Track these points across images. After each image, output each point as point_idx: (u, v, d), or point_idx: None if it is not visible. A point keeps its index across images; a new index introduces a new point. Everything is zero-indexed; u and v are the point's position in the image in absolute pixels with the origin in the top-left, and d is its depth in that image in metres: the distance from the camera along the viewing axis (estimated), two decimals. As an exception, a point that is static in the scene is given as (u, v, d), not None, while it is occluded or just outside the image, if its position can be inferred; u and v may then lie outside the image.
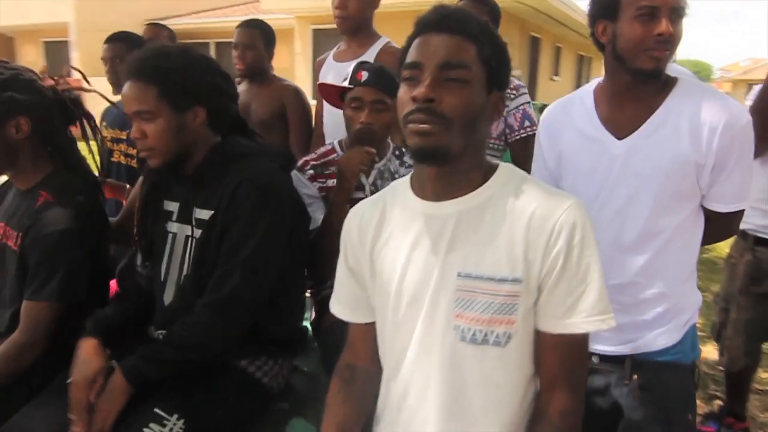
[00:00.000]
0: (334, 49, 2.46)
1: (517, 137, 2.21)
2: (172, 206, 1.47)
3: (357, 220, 1.15)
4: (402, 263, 1.05)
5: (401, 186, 1.13)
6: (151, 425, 1.28)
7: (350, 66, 2.26)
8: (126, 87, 1.34)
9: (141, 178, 1.58)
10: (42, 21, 13.90)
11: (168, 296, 1.47)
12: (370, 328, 1.16)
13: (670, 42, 1.27)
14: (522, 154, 2.22)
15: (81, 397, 1.30)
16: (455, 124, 0.94)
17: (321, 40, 10.32)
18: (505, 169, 1.05)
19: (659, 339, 1.39)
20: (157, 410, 1.30)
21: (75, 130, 1.65)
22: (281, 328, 1.52)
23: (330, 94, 1.85)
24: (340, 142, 1.87)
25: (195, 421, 1.32)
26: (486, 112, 0.99)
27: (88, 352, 1.36)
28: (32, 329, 1.46)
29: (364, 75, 1.71)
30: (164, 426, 1.28)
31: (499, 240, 0.97)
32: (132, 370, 1.31)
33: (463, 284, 0.98)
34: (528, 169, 2.24)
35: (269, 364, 1.50)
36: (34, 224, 1.47)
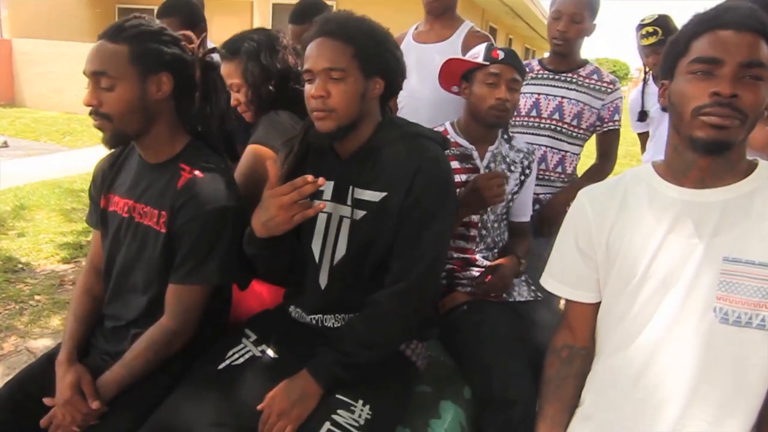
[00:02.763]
0: (411, 29, 2.41)
1: (606, 129, 2.29)
2: None
3: (593, 204, 1.19)
4: (654, 246, 1.10)
5: (643, 172, 1.18)
6: (340, 412, 1.24)
7: (434, 47, 2.26)
8: (317, 44, 1.32)
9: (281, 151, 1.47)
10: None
11: (323, 279, 1.42)
12: (592, 309, 1.22)
13: None
14: (607, 145, 2.34)
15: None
16: (749, 119, 1.01)
17: (281, 16, 10.02)
18: (767, 164, 1.11)
19: None
20: (340, 396, 1.27)
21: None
22: (428, 309, 1.50)
23: (452, 71, 1.81)
24: (452, 124, 1.85)
25: (377, 406, 1.29)
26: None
27: None
28: (184, 315, 1.37)
29: (501, 54, 1.72)
30: (353, 412, 1.25)
31: None
32: (328, 377, 1.27)
33: (730, 268, 1.04)
34: (613, 159, 2.34)
35: (419, 346, 1.49)
36: (186, 202, 1.34)
